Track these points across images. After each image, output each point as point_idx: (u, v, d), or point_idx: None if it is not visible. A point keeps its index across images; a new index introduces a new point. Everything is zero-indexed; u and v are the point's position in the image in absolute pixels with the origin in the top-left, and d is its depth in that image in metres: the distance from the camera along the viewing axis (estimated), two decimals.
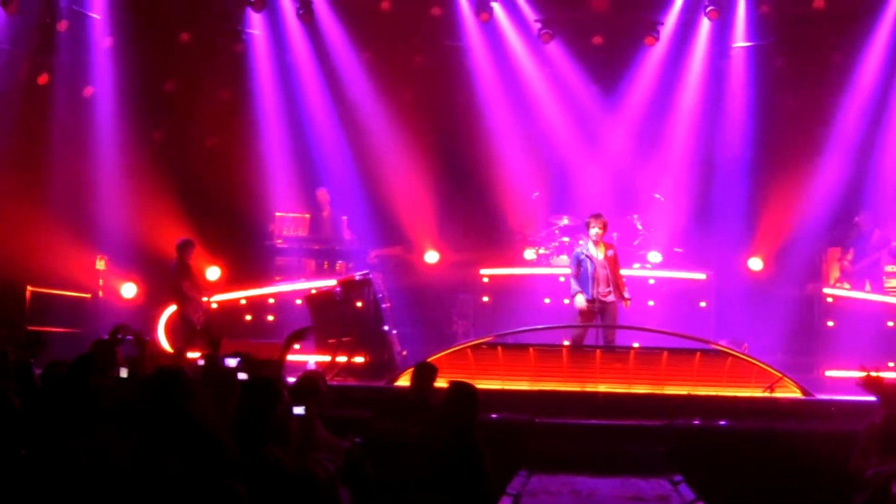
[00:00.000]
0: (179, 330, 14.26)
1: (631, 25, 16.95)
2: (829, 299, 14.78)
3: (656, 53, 17.02)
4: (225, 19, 16.78)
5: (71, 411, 6.53)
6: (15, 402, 7.21)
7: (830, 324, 14.59)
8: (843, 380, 13.65)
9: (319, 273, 15.65)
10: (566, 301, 14.03)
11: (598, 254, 13.16)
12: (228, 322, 14.38)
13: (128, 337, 9.30)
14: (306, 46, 17.04)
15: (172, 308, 14.58)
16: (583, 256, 13.16)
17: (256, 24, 16.91)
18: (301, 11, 16.50)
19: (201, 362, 8.93)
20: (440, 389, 8.31)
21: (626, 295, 13.26)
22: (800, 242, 16.24)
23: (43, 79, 15.56)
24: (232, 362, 8.85)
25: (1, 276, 14.22)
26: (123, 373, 8.19)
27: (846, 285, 15.09)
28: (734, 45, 16.92)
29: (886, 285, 15.14)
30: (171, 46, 16.58)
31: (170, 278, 14.44)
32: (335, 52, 17.00)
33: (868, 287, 15.05)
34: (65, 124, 15.78)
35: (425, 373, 8.96)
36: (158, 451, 5.92)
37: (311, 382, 7.99)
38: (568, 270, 13.88)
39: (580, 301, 13.15)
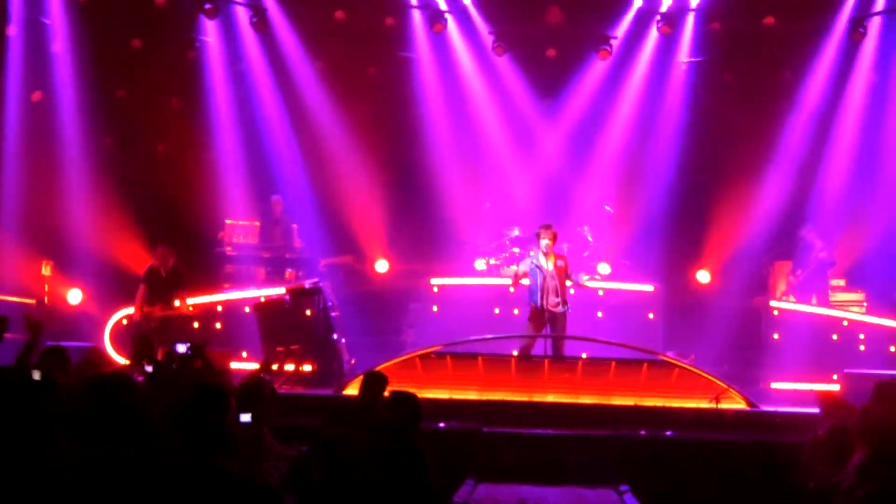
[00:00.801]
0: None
1: (584, 40, 17.06)
2: (776, 312, 14.98)
3: (608, 67, 17.14)
4: (178, 26, 16.66)
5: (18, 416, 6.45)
6: None
7: (776, 336, 14.79)
8: (788, 392, 13.89)
9: (269, 281, 15.58)
10: (516, 311, 14.07)
11: (548, 264, 13.16)
12: (176, 329, 14.24)
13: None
14: (260, 54, 16.97)
15: (121, 314, 14.44)
16: (534, 267, 13.18)
17: (210, 31, 16.81)
18: (254, 20, 16.44)
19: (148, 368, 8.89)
20: (384, 397, 8.30)
21: (584, 278, 13.39)
22: (747, 255, 16.44)
23: None
24: (181, 348, 8.84)
25: None
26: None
27: (792, 298, 15.30)
28: (683, 60, 17.08)
29: (832, 299, 15.40)
30: (124, 53, 16.44)
31: (164, 285, 14.19)
32: (289, 60, 16.95)
33: (814, 300, 15.28)
34: (14, 129, 15.61)
35: (375, 382, 8.95)
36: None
37: (257, 390, 7.95)
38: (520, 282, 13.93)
39: (511, 269, 13.38)
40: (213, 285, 15.43)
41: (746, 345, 15.18)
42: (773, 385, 14.38)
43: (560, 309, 13.10)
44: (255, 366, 12.25)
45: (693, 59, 17.05)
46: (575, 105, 17.29)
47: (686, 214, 16.90)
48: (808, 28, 16.45)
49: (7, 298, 14.81)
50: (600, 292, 15.49)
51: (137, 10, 16.34)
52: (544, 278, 13.08)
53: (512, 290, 14.69)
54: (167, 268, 14.18)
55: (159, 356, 10.46)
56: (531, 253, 13.88)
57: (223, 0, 16.49)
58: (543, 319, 13.13)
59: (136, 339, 11.36)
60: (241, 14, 16.75)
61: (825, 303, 15.29)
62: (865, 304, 15.38)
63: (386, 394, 8.75)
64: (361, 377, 9.36)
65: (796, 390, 13.98)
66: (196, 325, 14.52)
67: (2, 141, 15.48)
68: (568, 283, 13.25)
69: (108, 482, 5.67)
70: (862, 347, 14.59)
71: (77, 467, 5.83)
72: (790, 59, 16.69)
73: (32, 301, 15.24)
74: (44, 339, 12.62)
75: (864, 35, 15.90)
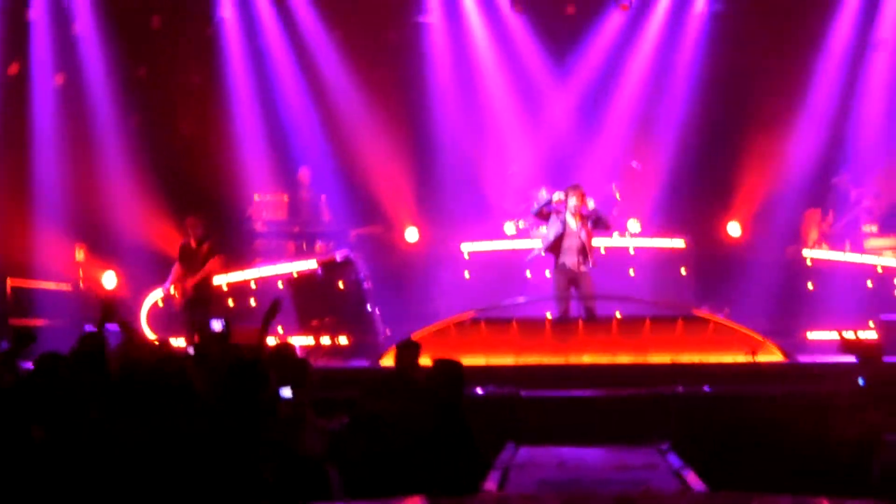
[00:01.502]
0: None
1: None
2: (809, 262, 14.88)
3: (627, 21, 17.00)
4: (196, 3, 16.66)
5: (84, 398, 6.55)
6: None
7: (810, 286, 14.70)
8: (824, 342, 13.82)
9: (300, 255, 15.61)
10: (548, 273, 14.04)
11: (573, 224, 13.08)
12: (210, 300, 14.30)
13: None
14: (277, 28, 16.94)
15: (156, 295, 14.49)
16: (558, 221, 13.06)
17: (227, 6, 16.79)
18: None
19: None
20: (425, 367, 8.33)
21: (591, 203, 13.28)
22: (778, 206, 16.30)
23: (14, 69, 15.45)
24: (217, 325, 8.90)
25: None
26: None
27: (825, 247, 15.19)
28: (705, 10, 16.90)
29: (866, 245, 15.27)
30: (144, 31, 16.45)
31: (197, 256, 13.80)
32: (307, 32, 16.91)
33: (847, 248, 15.16)
34: (42, 113, 15.70)
35: (408, 350, 8.98)
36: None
37: (296, 364, 8.00)
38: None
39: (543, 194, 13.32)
40: (244, 262, 15.48)
41: (781, 296, 15.09)
42: (810, 335, 14.31)
43: (583, 268, 13.01)
44: (296, 340, 12.38)
45: (713, 9, 16.86)
46: (595, 61, 17.14)
47: (714, 167, 16.76)
48: None
49: (42, 284, 14.97)
50: (631, 250, 15.43)
51: None
52: (565, 237, 12.98)
53: (543, 253, 14.66)
54: (197, 238, 13.74)
55: (196, 334, 10.56)
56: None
57: None
58: (569, 277, 13.05)
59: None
60: None
61: (859, 249, 15.16)
62: None
63: (421, 362, 8.79)
64: (395, 347, 9.39)
65: (833, 340, 13.90)
66: (231, 302, 14.60)
67: (31, 124, 15.58)
68: (596, 242, 13.19)
69: (161, 455, 5.77)
70: None
71: (130, 442, 5.93)
72: (814, 3, 16.47)
73: (67, 286, 15.39)
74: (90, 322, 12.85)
75: None
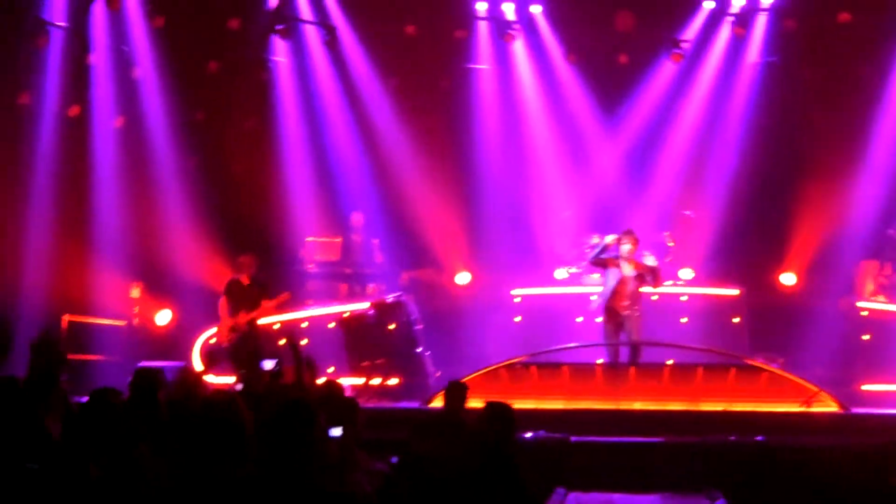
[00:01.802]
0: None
1: (655, 44, 16.97)
2: (865, 312, 14.70)
3: (681, 70, 17.04)
4: (251, 48, 16.91)
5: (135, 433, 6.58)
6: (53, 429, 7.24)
7: (866, 337, 14.51)
8: (880, 393, 13.62)
9: (351, 296, 15.70)
10: (598, 319, 14.00)
11: (627, 270, 13.13)
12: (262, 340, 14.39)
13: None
14: (330, 72, 17.16)
15: (210, 332, 14.59)
16: (613, 267, 13.12)
17: (282, 51, 17.04)
18: (327, 38, 16.59)
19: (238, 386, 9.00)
20: (475, 409, 8.32)
21: (650, 259, 13.20)
22: (833, 257, 16.15)
23: (74, 111, 15.76)
24: (269, 364, 8.95)
25: (39, 304, 14.39)
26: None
27: (881, 298, 15.01)
28: (759, 60, 16.89)
29: None
30: (200, 75, 16.74)
31: (247, 295, 13.87)
32: (359, 77, 17.11)
33: None
34: (99, 155, 16.00)
35: (457, 391, 8.99)
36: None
37: (346, 404, 8.02)
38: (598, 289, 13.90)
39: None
40: (297, 302, 15.58)
41: (836, 347, 14.89)
42: (865, 387, 14.11)
43: (631, 313, 13.03)
44: (347, 380, 12.40)
45: (767, 59, 16.84)
46: (647, 109, 17.21)
47: (768, 216, 16.67)
48: (885, 20, 16.15)
49: (97, 320, 15.15)
50: (684, 297, 15.35)
51: (212, 33, 16.61)
52: (619, 282, 13.03)
53: (594, 298, 14.65)
54: (251, 276, 13.80)
55: (246, 371, 10.63)
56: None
57: (295, 20, 16.67)
58: (617, 321, 13.06)
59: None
60: (312, 33, 16.92)
61: None
62: None
63: (470, 404, 8.78)
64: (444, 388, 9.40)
65: (889, 391, 13.72)
66: (283, 342, 14.67)
67: (92, 165, 15.86)
68: (644, 288, 13.17)
69: (209, 498, 5.76)
70: None
71: (176, 484, 5.93)
72: (869, 54, 16.39)
73: (123, 322, 15.57)
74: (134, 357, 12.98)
75: None
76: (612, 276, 13.09)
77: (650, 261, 13.19)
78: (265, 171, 17.01)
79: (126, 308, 15.73)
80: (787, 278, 16.38)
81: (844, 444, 10.59)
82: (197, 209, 16.32)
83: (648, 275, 13.14)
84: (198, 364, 14.63)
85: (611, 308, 13.06)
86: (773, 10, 16.51)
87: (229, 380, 13.36)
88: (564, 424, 11.06)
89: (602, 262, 13.24)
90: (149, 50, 16.28)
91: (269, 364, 9.56)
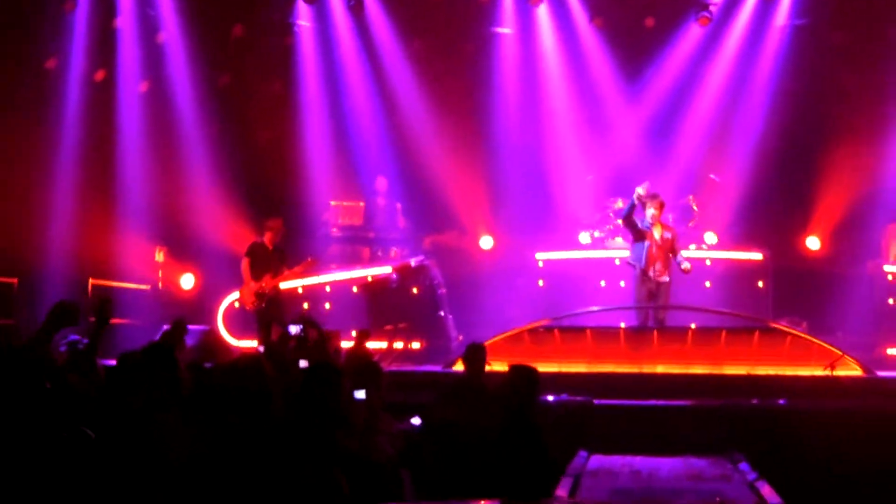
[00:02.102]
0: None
1: (682, 6, 16.83)
2: (890, 276, 14.63)
3: (708, 34, 16.89)
4: (276, 12, 16.89)
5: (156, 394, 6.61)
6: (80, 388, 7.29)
7: (891, 301, 14.45)
8: None
9: (374, 261, 15.75)
10: (622, 283, 14.02)
11: (656, 233, 13.14)
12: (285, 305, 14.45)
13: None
14: (355, 37, 17.11)
15: (233, 296, 14.67)
16: (642, 233, 13.14)
17: (306, 16, 17.01)
18: (352, 2, 16.54)
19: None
20: (498, 373, 8.36)
21: (686, 265, 13.15)
22: (858, 220, 16.06)
23: (100, 75, 15.82)
24: (294, 329, 9.01)
25: (64, 269, 14.52)
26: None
27: None
28: (787, 23, 16.73)
29: None
30: (225, 40, 16.73)
31: (271, 258, 13.74)
32: (384, 42, 17.05)
33: None
34: (125, 119, 16.07)
35: (476, 354, 9.03)
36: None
37: (370, 367, 8.08)
38: (624, 252, 13.88)
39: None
40: (320, 266, 15.63)
41: (861, 311, 14.84)
42: (890, 351, 14.07)
43: (664, 278, 13.07)
44: (371, 344, 12.46)
45: (795, 22, 16.68)
46: (673, 73, 17.07)
47: (793, 180, 16.56)
48: None
49: (122, 284, 15.26)
50: (708, 262, 15.32)
51: None
52: (651, 247, 13.04)
53: (617, 261, 14.66)
54: (274, 241, 13.74)
55: (274, 335, 10.70)
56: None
57: None
58: (650, 287, 13.10)
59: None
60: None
61: None
62: None
63: (491, 366, 8.81)
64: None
65: None
66: (306, 305, 14.76)
67: (117, 130, 15.94)
68: (673, 255, 13.18)
69: (233, 458, 5.81)
70: None
71: (201, 450, 5.98)
72: None
73: (147, 287, 15.68)
74: (158, 321, 13.07)
75: None
76: (642, 242, 13.08)
77: (685, 265, 13.14)
78: (289, 137, 17.02)
79: (151, 272, 15.84)
80: (812, 242, 16.30)
81: (868, 408, 10.59)
82: (221, 174, 16.37)
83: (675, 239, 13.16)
84: (221, 328, 14.75)
85: (643, 273, 13.06)
86: None
87: (253, 343, 13.50)
88: (587, 388, 11.10)
89: (632, 223, 13.19)
90: (174, 14, 16.28)
91: (294, 329, 9.62)
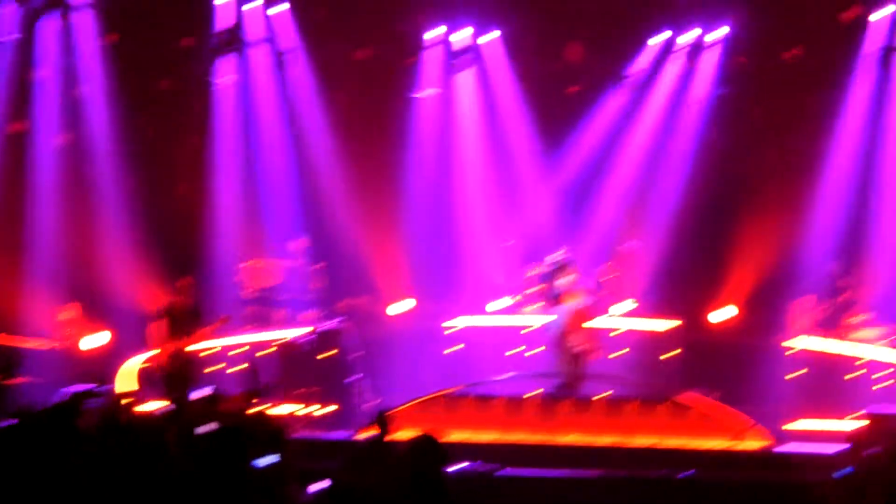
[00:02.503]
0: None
1: (605, 75, 17.14)
2: (797, 349, 14.88)
3: (628, 103, 17.21)
4: (196, 66, 16.81)
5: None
6: None
7: (797, 374, 14.69)
8: (809, 431, 13.79)
9: (290, 322, 15.59)
10: (536, 350, 14.07)
11: (571, 301, 13.20)
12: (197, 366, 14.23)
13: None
14: (277, 95, 17.10)
15: (144, 356, 14.41)
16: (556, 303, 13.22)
17: (227, 70, 16.96)
18: (275, 60, 16.55)
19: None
20: (407, 439, 8.29)
21: (594, 345, 13.28)
22: (769, 293, 16.34)
23: (17, 127, 15.60)
24: (204, 391, 8.87)
25: None
26: None
27: (814, 336, 15.19)
28: (707, 93, 17.13)
29: (852, 336, 15.28)
30: (148, 93, 16.60)
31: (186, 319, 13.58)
32: (307, 101, 17.07)
33: (835, 337, 15.18)
34: (40, 172, 15.84)
35: (383, 422, 8.98)
36: None
37: (279, 432, 7.99)
38: (540, 319, 13.95)
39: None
40: (235, 327, 15.45)
41: (768, 383, 15.08)
42: (795, 424, 14.28)
43: (581, 347, 13.12)
44: (281, 408, 12.35)
45: (715, 93, 17.07)
46: (594, 141, 17.33)
47: (708, 251, 16.84)
48: (835, 57, 16.42)
49: (28, 342, 14.91)
50: (621, 330, 15.44)
51: (160, 52, 16.49)
52: (566, 314, 13.10)
53: (532, 328, 14.74)
54: (189, 300, 13.58)
55: (188, 398, 10.56)
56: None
57: (245, 41, 16.63)
58: (567, 355, 13.13)
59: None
60: (262, 54, 16.87)
61: (847, 340, 15.18)
62: (889, 339, 15.23)
63: (403, 434, 8.75)
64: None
65: (819, 429, 13.90)
66: (215, 368, 14.54)
67: (32, 183, 15.70)
68: (588, 323, 13.26)
69: None
70: (886, 384, 14.45)
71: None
72: (818, 90, 16.63)
73: (55, 344, 15.34)
74: (62, 380, 12.78)
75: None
76: (560, 310, 13.15)
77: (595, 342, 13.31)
78: (205, 194, 16.86)
79: (59, 330, 15.51)
80: (724, 313, 16.53)
81: (773, 481, 10.70)
82: (136, 230, 16.14)
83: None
84: (125, 387, 14.43)
85: (560, 341, 13.11)
86: (722, 45, 16.74)
87: (162, 404, 13.25)
88: (497, 456, 11.07)
89: (549, 290, 13.27)
90: (96, 66, 16.13)
91: (201, 392, 9.51)
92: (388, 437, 8.79)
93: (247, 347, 14.86)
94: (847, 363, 14.65)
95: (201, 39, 16.55)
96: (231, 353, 14.88)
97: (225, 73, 16.89)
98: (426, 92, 17.19)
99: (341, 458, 8.76)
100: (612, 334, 15.29)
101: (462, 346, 15.56)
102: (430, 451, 7.62)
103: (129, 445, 6.47)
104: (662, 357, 15.31)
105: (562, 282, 13.26)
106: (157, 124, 16.92)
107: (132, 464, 6.36)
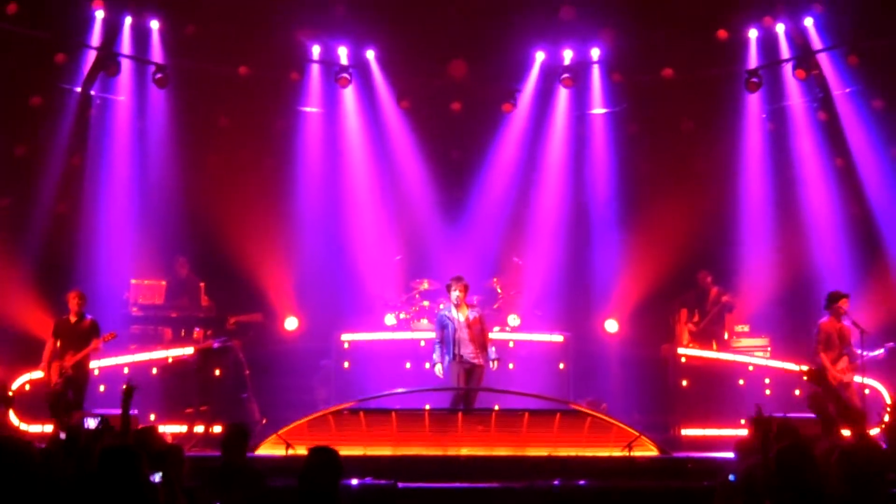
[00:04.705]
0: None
1: (489, 92, 17.28)
2: (683, 359, 15.18)
3: (515, 120, 17.40)
4: (77, 83, 16.42)
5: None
6: None
7: (684, 383, 14.98)
8: (698, 437, 14.10)
9: (176, 341, 15.31)
10: (427, 365, 14.08)
11: (460, 316, 13.26)
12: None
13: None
14: (163, 111, 16.81)
15: (24, 378, 13.98)
16: (445, 320, 13.26)
17: (111, 88, 16.62)
18: (158, 76, 16.26)
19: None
20: (299, 456, 8.19)
21: (493, 356, 13.33)
22: (654, 304, 16.65)
23: None
24: (91, 423, 8.66)
25: None
26: None
27: (693, 346, 15.52)
28: (590, 112, 17.42)
29: (736, 344, 15.66)
30: (23, 109, 16.11)
31: (76, 333, 13.36)
32: (191, 117, 16.82)
33: (715, 346, 15.55)
34: None
35: (233, 438, 8.79)
36: None
37: (168, 451, 7.83)
38: (430, 334, 13.95)
39: (439, 371, 13.23)
40: (119, 347, 15.07)
41: (656, 392, 15.40)
42: (684, 431, 14.59)
43: (478, 360, 13.16)
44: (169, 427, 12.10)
45: (599, 111, 17.37)
46: (486, 158, 17.48)
47: (594, 264, 17.12)
48: (709, 77, 16.84)
49: None
50: (511, 344, 15.55)
51: (38, 66, 16.03)
52: (456, 330, 13.15)
53: (423, 343, 14.74)
54: (78, 313, 13.35)
55: (73, 419, 10.26)
56: (441, 306, 13.95)
57: (126, 56, 16.31)
58: (462, 370, 13.16)
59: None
60: (144, 71, 16.58)
61: (726, 348, 15.56)
62: (769, 349, 15.66)
63: (297, 450, 8.64)
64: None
65: (706, 436, 14.21)
66: (102, 388, 14.16)
67: None
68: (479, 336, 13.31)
69: None
70: (768, 392, 14.83)
71: None
72: (692, 109, 17.02)
73: None
74: None
75: (759, 85, 16.26)
76: (448, 329, 13.18)
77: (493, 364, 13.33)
78: (88, 211, 16.45)
79: None
80: (611, 325, 16.79)
81: (664, 488, 10.86)
82: (16, 248, 15.66)
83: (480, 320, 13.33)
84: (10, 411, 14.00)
85: (459, 356, 13.12)
86: (601, 64, 17.04)
87: (46, 427, 12.88)
88: (392, 471, 10.99)
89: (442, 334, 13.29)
90: None
91: (92, 422, 9.30)
92: (234, 452, 8.61)
93: (126, 370, 14.53)
94: (734, 371, 15.01)
95: (74, 55, 16.15)
96: (114, 370, 14.53)
97: (108, 89, 16.54)
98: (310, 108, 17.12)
99: (201, 477, 8.58)
100: (509, 345, 15.39)
101: (347, 364, 15.46)
102: (326, 465, 7.53)
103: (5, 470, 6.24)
104: (554, 368, 15.46)
105: (451, 296, 13.29)
106: (34, 140, 16.38)
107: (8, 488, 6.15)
